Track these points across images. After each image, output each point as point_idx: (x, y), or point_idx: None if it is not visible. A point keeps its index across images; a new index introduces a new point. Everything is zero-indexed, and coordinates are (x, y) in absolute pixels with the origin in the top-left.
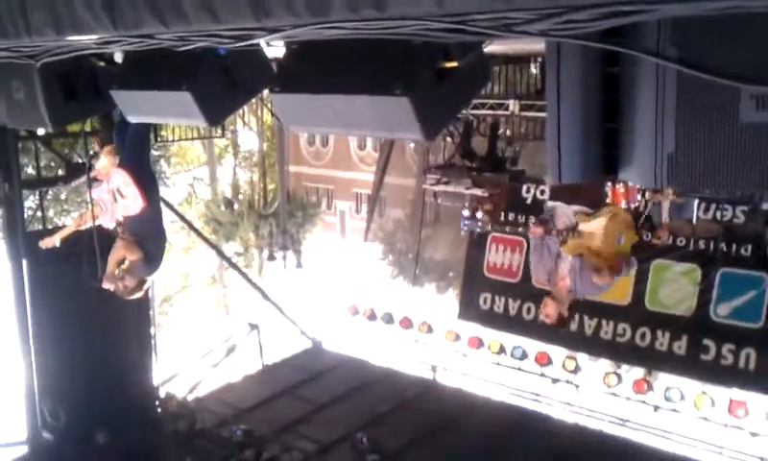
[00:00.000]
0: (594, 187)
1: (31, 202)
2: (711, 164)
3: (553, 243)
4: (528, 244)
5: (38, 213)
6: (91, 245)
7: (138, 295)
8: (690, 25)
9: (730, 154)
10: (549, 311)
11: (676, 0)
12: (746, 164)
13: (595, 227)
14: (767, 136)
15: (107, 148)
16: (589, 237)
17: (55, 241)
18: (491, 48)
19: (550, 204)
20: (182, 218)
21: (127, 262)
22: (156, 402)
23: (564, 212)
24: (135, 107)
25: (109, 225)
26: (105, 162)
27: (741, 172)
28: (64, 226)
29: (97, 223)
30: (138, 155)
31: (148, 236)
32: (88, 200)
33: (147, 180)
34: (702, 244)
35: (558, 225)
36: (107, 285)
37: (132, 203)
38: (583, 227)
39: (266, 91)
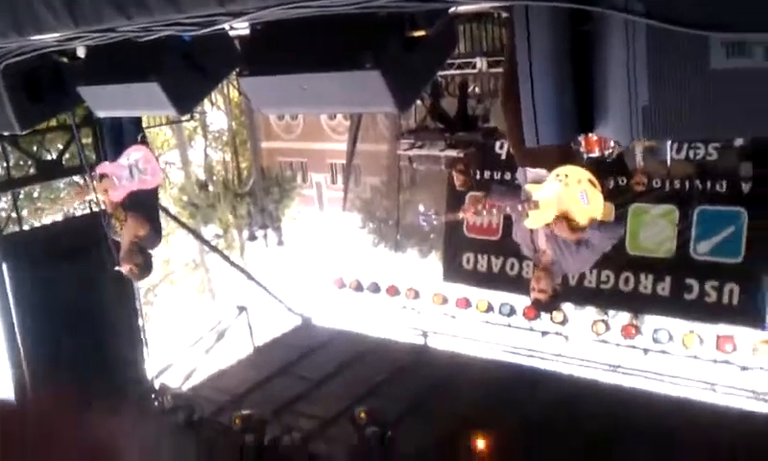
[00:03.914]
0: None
1: (2, 203)
2: (686, 114)
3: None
4: None
5: (13, 214)
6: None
7: (149, 274)
8: None
9: (703, 102)
10: (543, 286)
11: None
12: (720, 111)
13: (549, 195)
14: (739, 81)
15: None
16: (548, 206)
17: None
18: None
19: (521, 170)
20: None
21: (139, 239)
22: (153, 395)
23: (537, 176)
24: (103, 102)
25: (117, 199)
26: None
27: (716, 119)
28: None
29: (103, 198)
30: (143, 131)
31: (151, 208)
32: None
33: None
34: (677, 184)
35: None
36: (124, 266)
37: (152, 177)
38: (537, 197)
39: None
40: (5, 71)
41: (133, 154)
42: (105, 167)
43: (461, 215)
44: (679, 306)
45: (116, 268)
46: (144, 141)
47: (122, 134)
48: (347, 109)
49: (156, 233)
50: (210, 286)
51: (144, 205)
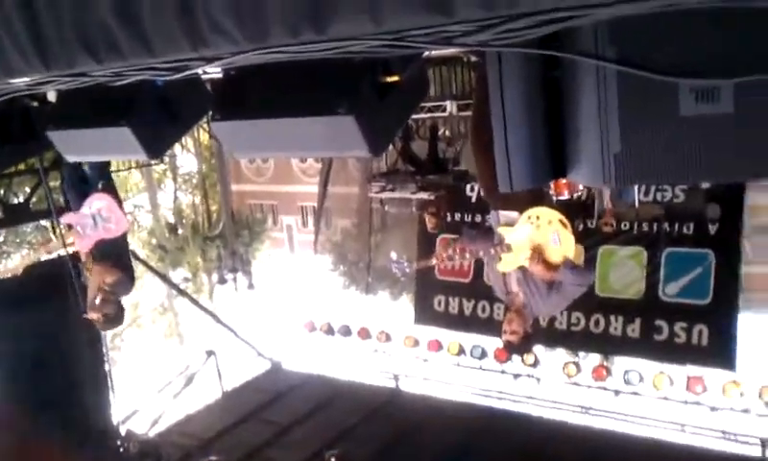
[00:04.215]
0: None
1: None
2: (657, 160)
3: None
4: None
5: None
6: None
7: (118, 325)
8: (627, 24)
9: (673, 148)
10: (515, 327)
11: (610, 4)
12: (690, 157)
13: (521, 238)
14: (709, 127)
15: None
16: (520, 249)
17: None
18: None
19: (493, 212)
20: None
21: (107, 286)
22: (119, 442)
23: (509, 219)
24: (73, 146)
25: (84, 249)
26: None
27: (686, 165)
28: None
29: (72, 249)
30: (108, 177)
31: (121, 254)
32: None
33: (119, 201)
34: (645, 226)
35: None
36: (92, 315)
37: (116, 226)
38: (509, 240)
39: None
40: None
41: (96, 202)
42: (69, 217)
43: (433, 261)
44: (649, 348)
45: (84, 316)
46: (106, 188)
47: (85, 180)
48: (320, 153)
49: (127, 279)
50: (179, 330)
51: (113, 251)
